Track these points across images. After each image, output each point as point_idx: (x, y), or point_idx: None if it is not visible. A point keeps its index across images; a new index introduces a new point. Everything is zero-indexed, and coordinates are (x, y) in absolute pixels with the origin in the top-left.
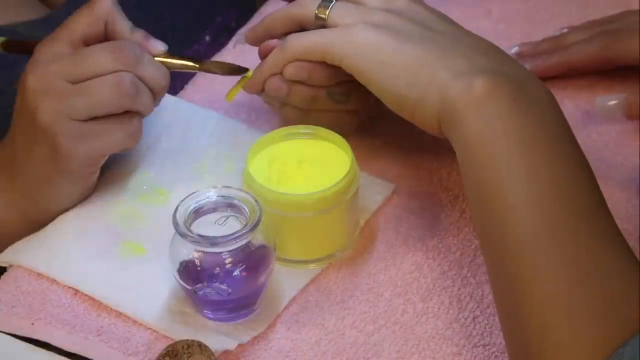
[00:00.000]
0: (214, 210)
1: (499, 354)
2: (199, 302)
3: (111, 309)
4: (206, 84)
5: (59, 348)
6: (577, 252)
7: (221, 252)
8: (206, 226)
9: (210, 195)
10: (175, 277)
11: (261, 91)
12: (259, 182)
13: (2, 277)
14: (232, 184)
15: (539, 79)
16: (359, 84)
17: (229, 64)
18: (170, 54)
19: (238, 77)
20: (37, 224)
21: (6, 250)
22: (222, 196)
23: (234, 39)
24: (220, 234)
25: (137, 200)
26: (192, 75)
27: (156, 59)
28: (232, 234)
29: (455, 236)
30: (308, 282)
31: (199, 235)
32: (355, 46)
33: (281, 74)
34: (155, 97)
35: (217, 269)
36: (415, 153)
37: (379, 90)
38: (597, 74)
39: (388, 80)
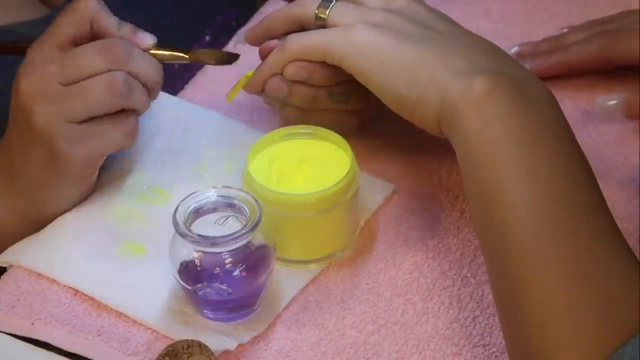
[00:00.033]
0: (214, 210)
1: (499, 354)
2: (199, 302)
3: (111, 309)
4: (206, 84)
5: (59, 348)
6: (577, 252)
7: (221, 252)
8: (206, 226)
9: (210, 195)
10: (175, 277)
11: (261, 91)
12: (259, 182)
13: (2, 277)
14: (232, 184)
15: (539, 79)
16: (360, 84)
17: (219, 51)
18: (160, 45)
19: (236, 78)
20: (37, 224)
21: (6, 251)
22: (222, 196)
23: (234, 38)
24: (220, 234)
25: (137, 200)
26: (192, 75)
27: (146, 52)
28: (232, 234)
29: (455, 236)
30: (308, 282)
31: (199, 235)
32: (355, 46)
33: (281, 74)
34: (150, 93)
35: (217, 269)
36: (415, 153)
37: (379, 90)
38: (597, 74)
39: (388, 80)
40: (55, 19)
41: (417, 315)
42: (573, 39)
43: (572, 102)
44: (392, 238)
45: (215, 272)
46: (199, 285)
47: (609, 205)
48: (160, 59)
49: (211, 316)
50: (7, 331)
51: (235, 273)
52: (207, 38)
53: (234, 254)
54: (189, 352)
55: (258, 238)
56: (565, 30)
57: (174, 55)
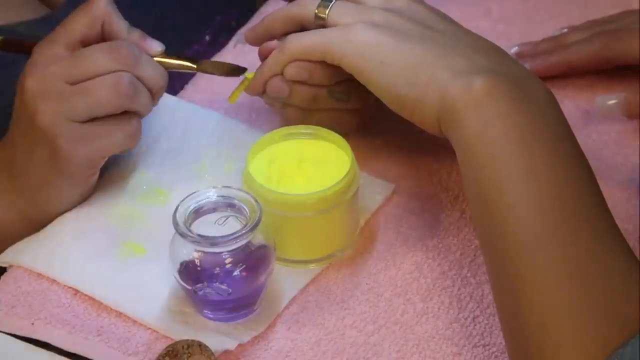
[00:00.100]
0: (214, 210)
1: (499, 354)
2: (199, 302)
3: (111, 309)
4: (206, 84)
5: (59, 348)
6: (577, 252)
7: (221, 252)
8: (206, 226)
9: (210, 195)
10: (175, 277)
11: (263, 93)
12: (259, 182)
13: (2, 277)
14: (232, 184)
15: (539, 79)
16: (360, 82)
17: (227, 64)
18: (168, 53)
19: (238, 78)
20: (37, 224)
21: (6, 251)
22: (222, 196)
23: (234, 38)
24: (220, 234)
25: (137, 200)
26: (192, 75)
27: (154, 59)
28: (232, 234)
29: (455, 236)
30: (308, 282)
31: (199, 235)
32: (355, 45)
33: (282, 74)
34: (154, 97)
35: (217, 269)
36: (415, 153)
37: (379, 90)
38: (597, 74)
39: (388, 79)
40: (67, 18)
41: (417, 315)
42: (573, 38)
43: (572, 102)
44: (392, 238)
45: (215, 272)
46: (199, 285)
47: (609, 205)
48: (167, 67)
49: (211, 316)
50: (7, 331)
51: (235, 273)
52: (207, 38)
53: (234, 254)
54: (189, 352)
55: (258, 238)
56: (565, 30)
57: (182, 64)
